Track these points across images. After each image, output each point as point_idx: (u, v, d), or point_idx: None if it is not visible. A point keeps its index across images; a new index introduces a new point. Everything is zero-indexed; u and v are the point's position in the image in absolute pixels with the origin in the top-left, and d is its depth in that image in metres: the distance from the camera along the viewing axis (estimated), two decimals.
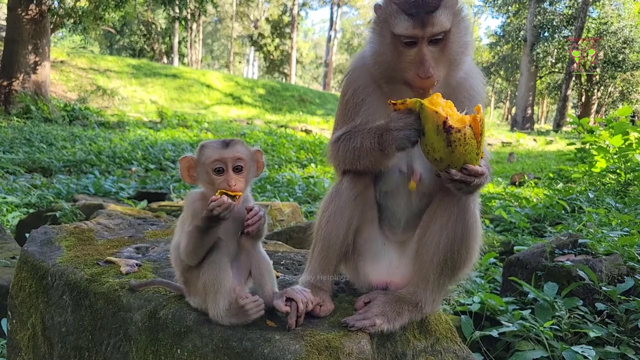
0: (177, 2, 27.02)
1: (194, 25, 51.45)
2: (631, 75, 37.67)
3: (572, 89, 37.99)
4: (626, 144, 8.91)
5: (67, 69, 30.50)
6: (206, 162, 2.01)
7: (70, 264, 2.52)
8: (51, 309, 2.46)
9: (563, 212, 7.09)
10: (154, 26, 49.45)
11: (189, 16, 32.79)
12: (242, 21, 66.24)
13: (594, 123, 16.13)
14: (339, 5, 65.90)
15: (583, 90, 39.21)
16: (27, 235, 2.96)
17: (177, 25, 43.89)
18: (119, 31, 48.34)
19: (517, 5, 44.88)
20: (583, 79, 37.02)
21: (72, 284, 2.39)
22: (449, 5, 2.05)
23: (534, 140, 27.18)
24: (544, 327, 3.07)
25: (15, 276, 2.69)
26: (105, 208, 5.56)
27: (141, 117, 25.72)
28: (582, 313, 3.41)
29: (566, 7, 39.94)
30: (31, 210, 7.60)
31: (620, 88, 39.89)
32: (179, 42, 51.47)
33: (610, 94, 41.02)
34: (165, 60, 49.65)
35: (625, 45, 35.44)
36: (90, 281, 2.36)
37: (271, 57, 62.94)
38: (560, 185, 10.18)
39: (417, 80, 2.03)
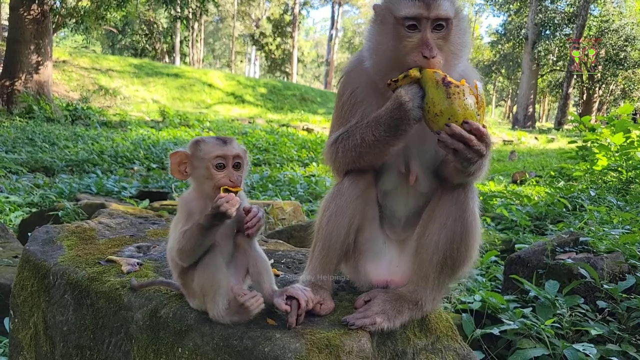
0: (179, 2, 27.01)
1: (196, 25, 51.45)
2: (633, 73, 37.61)
3: (574, 87, 37.97)
4: (628, 141, 8.91)
5: (69, 68, 30.54)
6: (206, 157, 2.00)
7: (71, 263, 2.53)
8: (53, 308, 2.47)
9: (564, 210, 7.09)
10: (155, 26, 49.43)
11: (190, 15, 32.78)
12: (243, 20, 66.26)
13: (596, 121, 16.13)
14: (340, 4, 65.87)
15: (584, 88, 39.15)
16: (29, 234, 2.97)
17: (178, 24, 43.82)
18: (120, 31, 48.31)
19: (518, 4, 44.82)
20: (584, 77, 36.98)
21: (73, 283, 2.40)
22: None
23: (536, 138, 27.16)
24: (545, 325, 3.08)
25: (17, 275, 2.70)
26: (107, 207, 5.56)
27: (143, 116, 25.75)
28: (583, 311, 3.42)
29: (567, 5, 39.91)
30: (34, 210, 7.62)
31: (622, 86, 39.82)
32: (181, 42, 51.42)
33: (611, 91, 40.94)
34: (167, 59, 49.62)
35: (626, 43, 35.42)
36: (92, 280, 2.37)
37: (272, 56, 62.94)
38: (561, 184, 10.18)
39: (422, 61, 2.00)
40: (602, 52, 35.69)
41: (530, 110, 40.10)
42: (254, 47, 68.50)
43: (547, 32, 40.29)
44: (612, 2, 37.50)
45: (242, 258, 2.11)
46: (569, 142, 13.16)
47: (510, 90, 67.86)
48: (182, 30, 49.63)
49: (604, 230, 4.66)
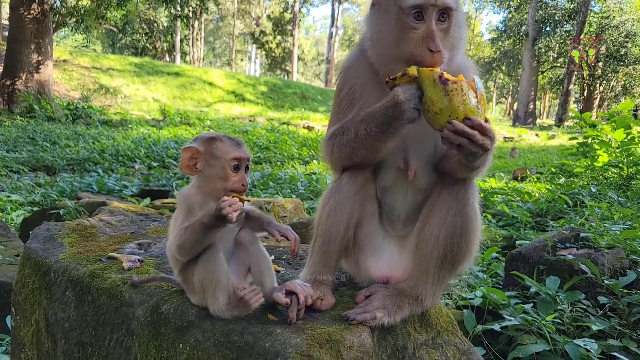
0: (179, 0, 27.04)
1: (196, 24, 51.47)
2: (634, 70, 37.55)
3: (575, 84, 37.92)
4: (629, 138, 8.91)
5: (70, 68, 30.53)
6: (225, 157, 2.00)
7: (73, 261, 2.53)
8: (54, 305, 2.47)
9: (565, 206, 7.08)
10: (156, 25, 49.41)
11: (190, 14, 32.84)
12: (243, 19, 66.26)
13: (597, 118, 16.10)
14: (340, 2, 65.76)
15: (585, 85, 39.10)
16: (31, 233, 2.98)
17: (179, 23, 43.82)
18: (121, 30, 48.32)
19: (518, 1, 44.77)
20: (585, 74, 36.93)
21: (75, 280, 2.41)
22: None
23: (537, 135, 27.14)
24: (547, 321, 3.07)
25: (19, 273, 2.71)
26: (108, 206, 5.57)
27: (144, 115, 25.75)
28: (584, 307, 3.42)
29: (568, 1, 39.88)
30: (35, 209, 7.63)
31: (623, 82, 39.75)
32: (181, 41, 51.41)
33: (612, 88, 40.86)
34: (167, 58, 49.62)
35: (627, 40, 35.38)
36: (93, 277, 2.37)
37: (273, 54, 62.93)
38: (562, 180, 10.17)
39: (427, 55, 1.98)
40: (603, 48, 35.66)
41: (531, 107, 40.05)
42: (254, 45, 68.48)
43: (548, 29, 40.23)
44: None
45: (244, 255, 2.12)
46: (570, 139, 13.17)
47: (511, 88, 67.77)
48: (182, 29, 49.62)
49: (605, 227, 4.66)
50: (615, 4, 37.50)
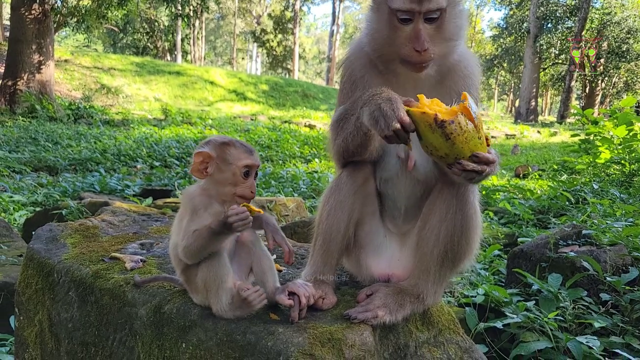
0: None
1: (197, 22, 51.42)
2: (635, 66, 37.48)
3: (576, 80, 37.80)
4: (630, 134, 8.89)
5: (71, 67, 30.56)
6: (237, 163, 2.00)
7: (75, 261, 2.54)
8: (57, 306, 2.48)
9: (567, 203, 7.07)
10: (156, 24, 49.39)
11: (191, 13, 32.74)
12: (244, 17, 66.22)
13: (598, 114, 16.07)
14: (341, 0, 65.73)
15: (587, 81, 39.01)
16: (33, 233, 2.98)
17: (179, 22, 43.76)
18: (122, 29, 48.31)
19: None
20: (587, 70, 36.86)
21: (77, 281, 2.42)
22: None
23: (538, 132, 27.08)
24: (549, 318, 3.08)
25: (22, 273, 2.72)
26: (110, 205, 5.57)
27: (145, 114, 25.75)
28: (586, 304, 3.42)
29: None
30: (38, 209, 7.64)
31: (625, 78, 39.69)
32: (182, 40, 51.38)
33: (614, 84, 40.78)
34: (168, 57, 49.62)
35: (629, 36, 35.30)
36: (96, 277, 2.38)
37: (274, 52, 62.90)
38: (564, 177, 10.16)
39: (413, 55, 2.05)
40: (605, 45, 35.59)
41: (533, 103, 39.95)
42: (255, 44, 68.43)
43: (549, 25, 40.12)
44: None
45: (245, 255, 2.12)
46: (572, 136, 13.12)
47: (513, 84, 67.62)
48: (183, 28, 49.56)
49: (607, 223, 4.66)
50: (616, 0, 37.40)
